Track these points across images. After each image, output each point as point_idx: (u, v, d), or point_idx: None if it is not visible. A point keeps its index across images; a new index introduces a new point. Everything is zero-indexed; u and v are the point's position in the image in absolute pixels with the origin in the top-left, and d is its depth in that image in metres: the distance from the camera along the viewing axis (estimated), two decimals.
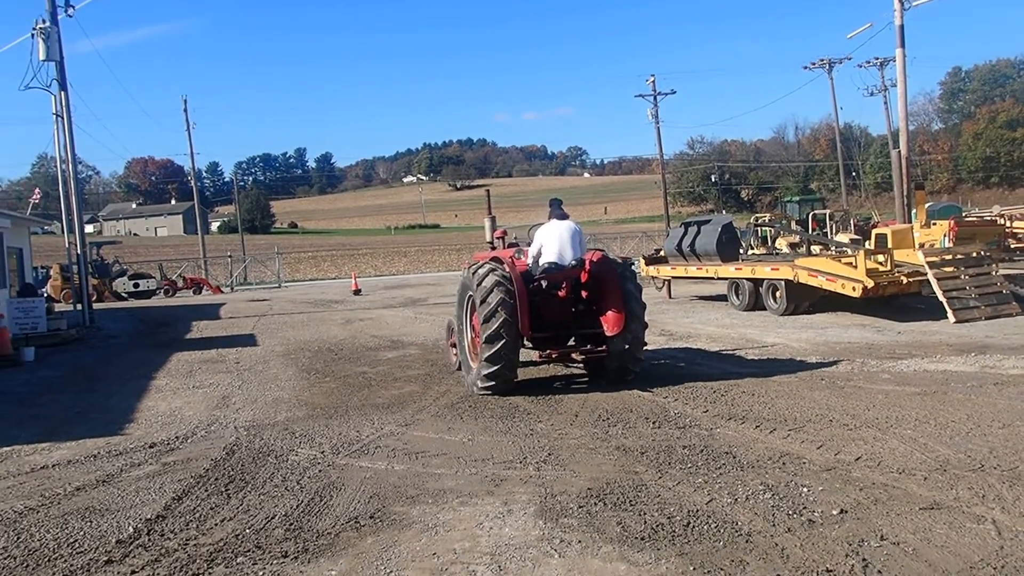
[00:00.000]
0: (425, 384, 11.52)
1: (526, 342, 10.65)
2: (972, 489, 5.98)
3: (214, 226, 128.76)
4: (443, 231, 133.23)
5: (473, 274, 10.58)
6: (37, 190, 48.07)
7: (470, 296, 10.92)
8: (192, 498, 6.64)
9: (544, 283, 10.85)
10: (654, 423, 8.55)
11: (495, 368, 10.09)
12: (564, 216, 11.21)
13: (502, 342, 10.00)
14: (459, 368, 11.85)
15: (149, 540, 5.72)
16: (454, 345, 12.24)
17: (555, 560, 5.04)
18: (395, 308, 24.64)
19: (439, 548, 5.33)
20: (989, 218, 33.26)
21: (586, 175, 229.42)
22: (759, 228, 34.50)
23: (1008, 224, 31.26)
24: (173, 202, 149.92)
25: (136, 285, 37.95)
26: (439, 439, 8.31)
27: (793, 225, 35.55)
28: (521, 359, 10.69)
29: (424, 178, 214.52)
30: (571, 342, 11.03)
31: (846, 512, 5.61)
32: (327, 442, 8.35)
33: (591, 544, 5.26)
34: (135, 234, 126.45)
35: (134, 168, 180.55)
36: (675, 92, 57.91)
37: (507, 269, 10.43)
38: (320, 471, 7.28)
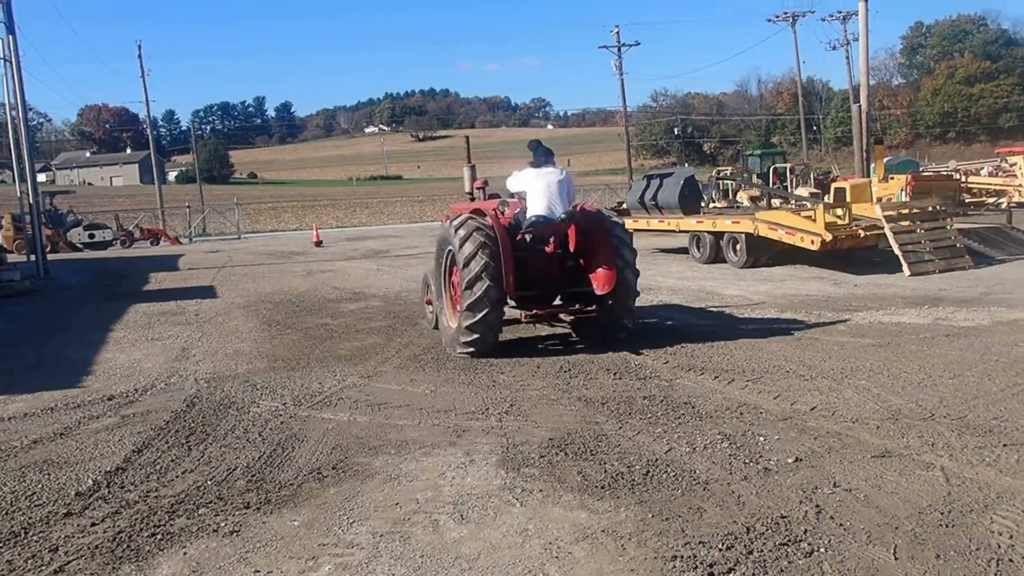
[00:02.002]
0: (388, 336, 11.50)
1: (510, 301, 10.03)
2: (922, 437, 6.14)
3: (171, 176, 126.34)
4: (406, 182, 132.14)
5: (454, 230, 9.73)
6: None
7: (449, 251, 10.15)
8: (152, 450, 6.61)
9: (529, 238, 10.13)
10: (615, 374, 8.64)
11: (476, 336, 9.49)
12: (550, 162, 10.37)
13: (485, 310, 9.34)
14: (437, 327, 11.13)
15: (109, 492, 5.70)
16: (430, 302, 11.61)
17: (517, 509, 5.11)
18: (357, 260, 24.48)
19: (401, 498, 5.37)
20: (945, 173, 33.78)
21: (549, 127, 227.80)
22: (721, 181, 34.76)
23: (963, 179, 31.77)
24: (128, 151, 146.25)
25: (91, 236, 37.21)
26: (402, 390, 8.33)
27: (754, 179, 35.80)
28: (504, 319, 10.06)
29: (386, 128, 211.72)
30: (557, 301, 10.48)
31: (801, 460, 5.74)
32: (289, 394, 8.33)
33: (552, 493, 5.34)
34: (89, 183, 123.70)
35: (87, 116, 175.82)
36: (639, 44, 58.50)
37: (490, 223, 9.71)
38: (282, 423, 7.27)
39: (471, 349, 9.59)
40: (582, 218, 10.15)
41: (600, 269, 9.69)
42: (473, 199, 12.12)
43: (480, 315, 9.33)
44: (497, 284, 9.33)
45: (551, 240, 10.24)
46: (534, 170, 10.23)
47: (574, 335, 10.77)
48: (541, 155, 10.38)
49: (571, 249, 10.35)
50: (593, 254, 9.94)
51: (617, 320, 10.00)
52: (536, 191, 9.99)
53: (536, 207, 9.95)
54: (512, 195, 10.64)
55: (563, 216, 9.92)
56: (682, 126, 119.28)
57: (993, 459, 5.62)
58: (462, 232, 9.58)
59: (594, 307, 10.02)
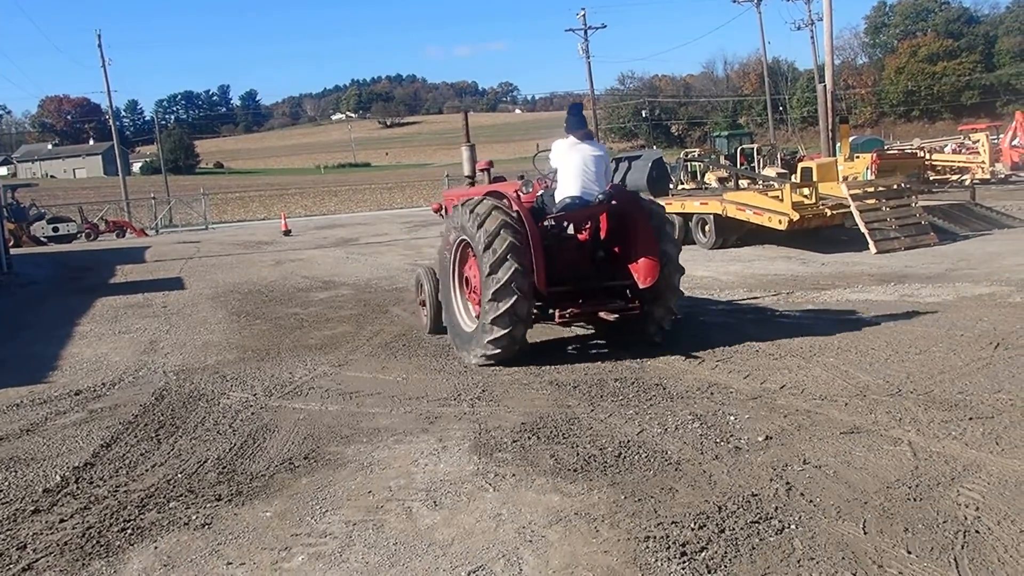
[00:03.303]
0: (358, 324, 11.45)
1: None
2: (890, 413, 6.22)
3: (136, 167, 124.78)
4: (374, 169, 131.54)
5: (469, 212, 8.33)
6: None
7: (461, 241, 8.78)
8: (121, 444, 6.53)
9: (553, 223, 8.80)
10: (585, 359, 8.66)
11: (504, 331, 8.03)
12: (588, 135, 8.93)
13: (513, 299, 7.90)
14: (435, 330, 10.02)
15: (78, 488, 5.63)
16: (424, 303, 10.38)
17: (490, 494, 5.12)
18: (326, 248, 24.33)
19: (374, 486, 5.36)
20: (910, 151, 34.11)
21: (517, 111, 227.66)
22: (689, 163, 34.81)
23: (927, 157, 32.12)
24: (91, 142, 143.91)
25: (55, 229, 36.59)
26: (373, 378, 8.30)
27: (722, 160, 35.91)
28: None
29: (353, 115, 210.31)
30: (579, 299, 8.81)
31: (771, 438, 5.79)
32: (259, 384, 8.26)
33: (525, 477, 5.35)
34: (52, 176, 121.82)
35: (48, 107, 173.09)
36: (605, 26, 57.82)
37: (513, 207, 8.37)
38: (253, 414, 7.22)
39: (496, 350, 8.17)
40: (618, 199, 8.83)
41: (642, 259, 8.37)
42: (474, 183, 10.87)
43: (507, 304, 7.91)
44: (526, 269, 7.95)
45: (586, 226, 8.93)
46: (566, 143, 8.74)
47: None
48: (575, 125, 8.82)
49: (602, 236, 9.03)
50: (631, 242, 8.57)
51: (656, 319, 8.73)
52: (569, 167, 8.56)
53: (569, 187, 8.54)
54: (546, 172, 9.16)
55: (600, 197, 8.52)
56: (650, 108, 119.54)
57: (959, 433, 5.71)
58: (480, 211, 8.21)
59: (636, 303, 8.64)
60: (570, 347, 9.23)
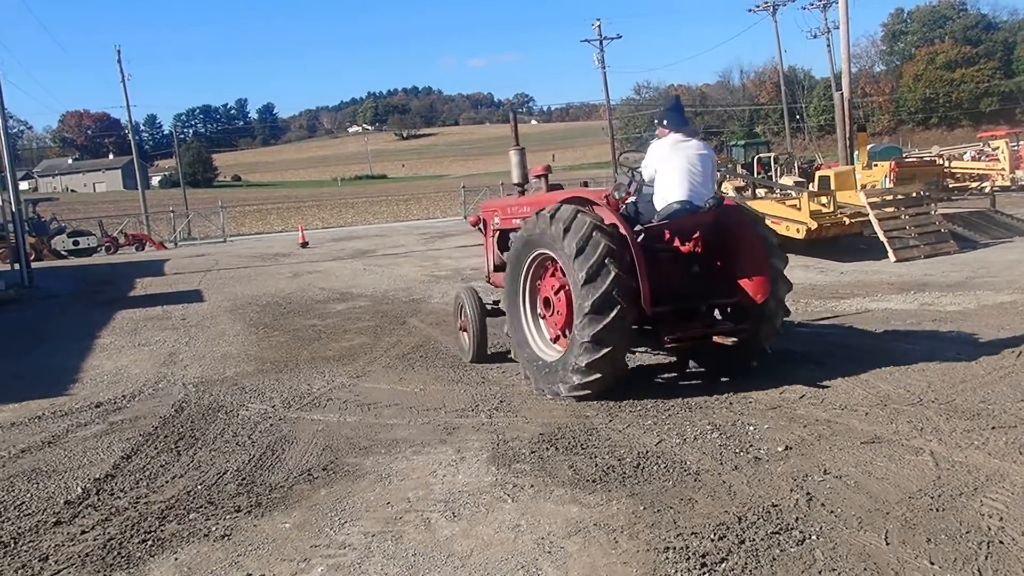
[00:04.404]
0: (376, 335, 11.47)
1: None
2: (911, 422, 6.16)
3: (155, 180, 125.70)
4: (390, 181, 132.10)
5: (549, 219, 7.24)
6: None
7: (536, 257, 7.77)
8: (141, 456, 6.57)
9: (644, 234, 7.55)
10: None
11: (605, 351, 6.84)
12: (692, 131, 8.01)
13: (616, 309, 6.76)
14: (476, 359, 9.15)
15: (99, 500, 5.66)
16: (464, 329, 9.41)
17: (508, 505, 5.10)
18: (343, 260, 24.40)
19: (393, 497, 5.36)
20: (928, 159, 34.01)
21: (533, 122, 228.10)
22: None
23: (946, 164, 31.96)
24: (111, 156, 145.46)
25: (76, 243, 36.91)
26: (391, 390, 8.31)
27: (738, 169, 35.88)
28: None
29: (370, 128, 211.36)
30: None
31: (791, 448, 5.75)
32: (278, 396, 8.29)
33: (543, 488, 5.33)
34: (72, 190, 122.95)
35: (68, 122, 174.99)
36: (621, 37, 58.01)
37: (609, 218, 7.25)
38: (271, 425, 7.24)
39: (595, 375, 6.98)
40: (723, 207, 7.74)
41: (753, 275, 7.38)
42: (523, 192, 9.74)
43: (609, 317, 6.78)
44: (633, 306, 6.89)
45: (694, 236, 7.80)
46: (667, 142, 7.77)
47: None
48: (676, 122, 7.90)
49: (698, 249, 7.87)
50: (737, 254, 7.58)
51: (761, 341, 7.68)
52: (674, 170, 7.57)
53: (675, 190, 7.52)
54: (633, 177, 8.13)
55: (711, 203, 7.49)
56: None
57: (981, 442, 5.65)
58: (563, 216, 7.12)
59: (746, 326, 7.54)
60: None
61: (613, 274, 6.76)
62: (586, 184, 9.29)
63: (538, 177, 9.17)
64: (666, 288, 7.36)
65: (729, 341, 7.45)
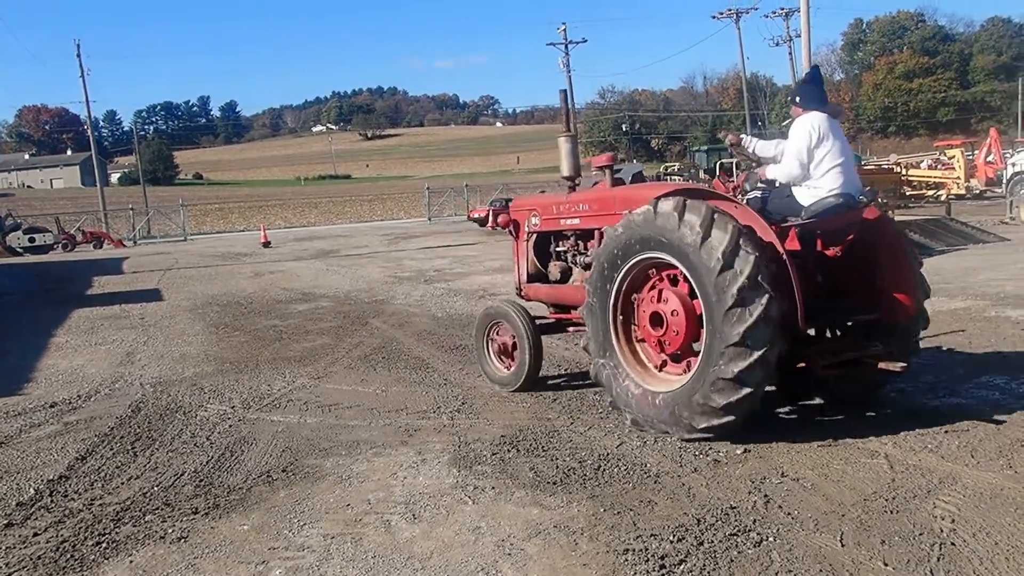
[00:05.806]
0: (337, 336, 11.40)
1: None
2: (867, 426, 6.25)
3: (114, 178, 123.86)
4: (354, 181, 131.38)
5: (678, 217, 5.80)
6: None
7: (640, 262, 6.24)
8: (97, 457, 6.47)
9: (790, 234, 6.34)
10: (566, 371, 8.67)
11: (744, 393, 5.60)
12: (837, 110, 6.77)
13: (768, 343, 5.52)
14: (525, 387, 7.75)
15: (52, 501, 5.56)
16: (507, 351, 7.96)
17: (469, 507, 5.10)
18: (306, 260, 24.24)
19: (353, 499, 5.33)
20: (886, 167, 34.51)
21: (498, 124, 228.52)
22: (668, 177, 35.03)
23: (904, 172, 32.50)
24: (69, 152, 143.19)
25: (32, 240, 36.29)
26: (352, 391, 8.27)
27: (701, 174, 36.19)
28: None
29: (334, 127, 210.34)
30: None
31: (749, 451, 5.81)
32: (237, 397, 8.21)
33: (504, 490, 5.34)
34: (29, 186, 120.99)
35: (25, 117, 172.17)
36: (586, 41, 58.50)
37: (742, 215, 6.01)
38: (230, 426, 7.17)
39: (727, 418, 5.71)
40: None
41: (900, 284, 6.35)
42: (574, 188, 8.09)
43: (760, 352, 5.51)
44: (786, 336, 5.74)
45: (847, 237, 6.52)
46: (820, 117, 6.37)
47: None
48: (818, 98, 6.52)
49: (828, 253, 6.64)
50: (878, 262, 6.47)
51: (892, 369, 6.22)
52: (829, 154, 6.28)
53: (832, 179, 6.25)
54: (757, 158, 7.13)
55: (865, 198, 6.38)
56: (630, 122, 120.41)
57: (935, 445, 5.75)
58: (719, 240, 5.59)
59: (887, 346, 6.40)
60: (547, 362, 9.22)
61: (767, 298, 5.49)
62: (621, 181, 8.06)
63: (601, 169, 7.74)
64: (811, 303, 5.91)
65: (898, 367, 6.11)
